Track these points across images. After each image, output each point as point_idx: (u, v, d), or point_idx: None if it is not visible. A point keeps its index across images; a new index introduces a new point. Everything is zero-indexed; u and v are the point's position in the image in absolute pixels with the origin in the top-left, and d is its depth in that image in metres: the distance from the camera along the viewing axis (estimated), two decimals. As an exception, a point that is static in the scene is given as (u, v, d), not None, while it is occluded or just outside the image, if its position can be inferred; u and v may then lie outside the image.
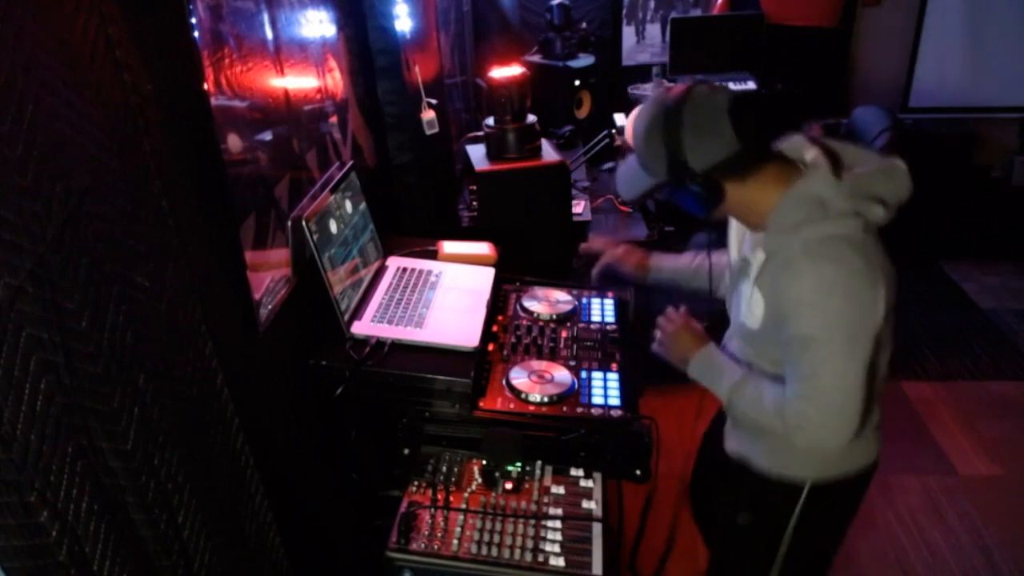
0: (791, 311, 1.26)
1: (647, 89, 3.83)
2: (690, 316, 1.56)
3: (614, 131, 3.08)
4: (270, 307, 1.44)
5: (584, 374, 1.61)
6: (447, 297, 1.78)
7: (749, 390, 1.38)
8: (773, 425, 1.34)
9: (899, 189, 1.30)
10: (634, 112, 1.37)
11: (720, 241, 1.61)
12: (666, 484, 1.97)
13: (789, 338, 1.28)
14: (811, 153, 1.32)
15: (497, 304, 1.87)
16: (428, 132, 2.32)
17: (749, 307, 1.37)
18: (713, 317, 1.61)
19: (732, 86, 3.76)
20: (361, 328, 1.63)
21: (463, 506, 1.39)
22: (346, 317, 1.62)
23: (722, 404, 1.46)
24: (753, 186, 1.30)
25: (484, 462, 1.47)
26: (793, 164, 1.32)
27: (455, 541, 1.32)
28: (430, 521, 1.35)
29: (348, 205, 1.78)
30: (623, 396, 1.55)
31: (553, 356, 1.68)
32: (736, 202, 1.32)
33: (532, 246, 2.45)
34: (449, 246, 2.03)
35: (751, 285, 1.35)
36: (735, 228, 1.52)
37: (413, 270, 1.89)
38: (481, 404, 1.51)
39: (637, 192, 1.40)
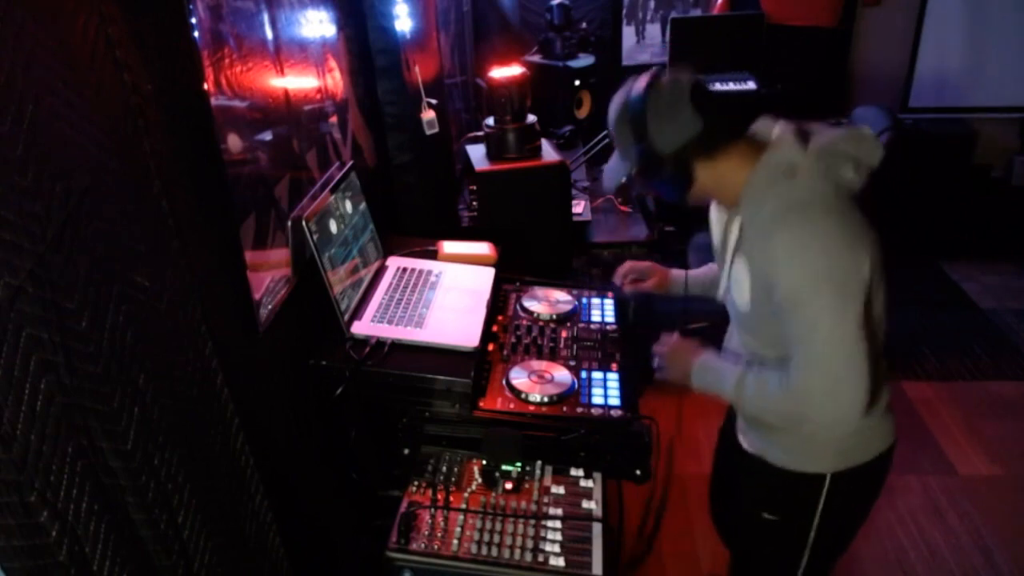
0: (775, 275, 1.26)
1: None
2: (683, 337, 1.55)
3: (614, 131, 3.07)
4: (270, 307, 1.44)
5: (584, 374, 1.61)
6: (447, 297, 1.78)
7: (752, 381, 1.36)
8: (784, 412, 1.32)
9: (868, 153, 1.30)
10: (610, 106, 1.41)
11: None
12: (667, 484, 1.97)
13: (779, 304, 1.27)
14: (777, 129, 1.35)
15: (497, 304, 1.86)
16: (428, 132, 2.32)
17: (736, 284, 1.38)
18: (713, 317, 1.60)
19: (732, 86, 3.77)
20: (361, 328, 1.63)
21: (463, 506, 1.39)
22: (346, 317, 1.62)
23: (732, 404, 1.45)
24: (723, 164, 1.33)
25: (484, 462, 1.47)
26: (761, 143, 1.35)
27: (455, 541, 1.32)
28: (430, 521, 1.35)
29: (348, 205, 1.78)
30: (623, 396, 1.55)
31: (553, 356, 1.68)
32: (708, 182, 1.35)
33: (532, 246, 2.46)
34: (449, 246, 2.03)
35: (733, 258, 1.38)
36: (715, 214, 1.52)
37: (413, 270, 1.89)
38: (481, 404, 1.51)
39: (615, 181, 1.42)
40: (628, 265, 1.81)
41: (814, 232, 1.22)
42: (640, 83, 1.33)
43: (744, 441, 1.58)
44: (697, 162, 1.32)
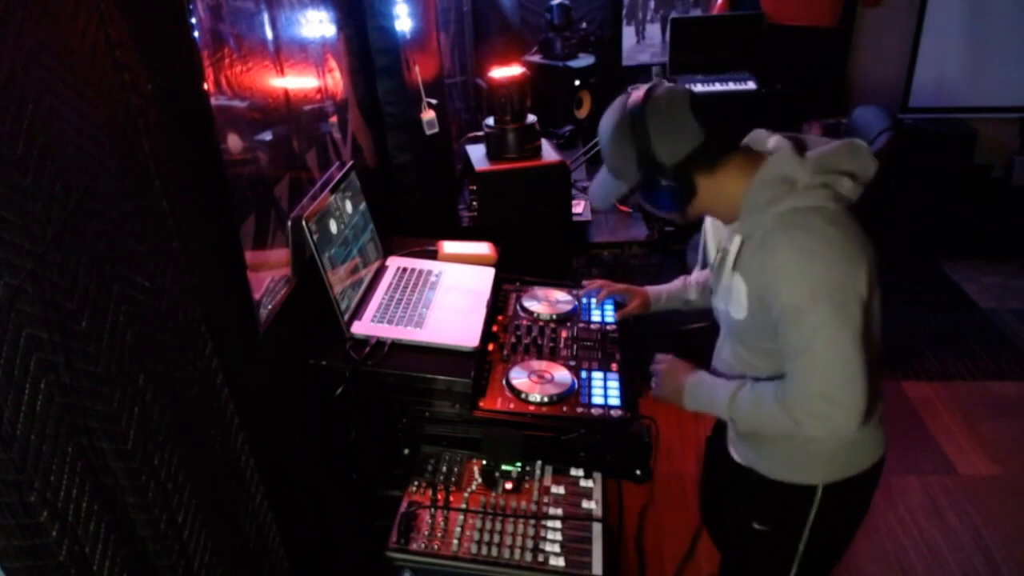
0: (774, 287, 1.25)
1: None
2: (677, 357, 1.55)
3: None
4: (270, 307, 1.44)
5: (584, 374, 1.61)
6: (447, 297, 1.78)
7: (746, 395, 1.35)
8: (780, 424, 1.30)
9: (864, 165, 1.30)
10: (602, 122, 1.39)
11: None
12: (667, 484, 1.97)
13: (778, 317, 1.26)
14: (773, 140, 1.34)
15: (497, 304, 1.86)
16: (428, 132, 2.32)
17: (734, 297, 1.36)
18: (710, 318, 1.60)
19: (732, 86, 3.77)
20: (361, 328, 1.63)
21: (463, 506, 1.39)
22: (346, 317, 1.62)
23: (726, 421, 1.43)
24: (722, 177, 1.32)
25: (484, 462, 1.47)
26: (758, 154, 1.34)
27: (455, 541, 1.32)
28: (430, 521, 1.36)
29: (348, 205, 1.78)
30: (623, 396, 1.55)
31: (553, 356, 1.68)
32: (708, 195, 1.34)
33: (532, 246, 2.45)
34: (449, 246, 2.03)
35: (731, 273, 1.35)
36: (711, 230, 1.52)
37: (413, 270, 1.89)
38: (481, 404, 1.51)
39: (610, 199, 1.41)
40: (601, 282, 1.85)
41: (813, 243, 1.22)
42: (636, 96, 1.32)
43: (735, 453, 1.56)
44: (698, 174, 1.31)
